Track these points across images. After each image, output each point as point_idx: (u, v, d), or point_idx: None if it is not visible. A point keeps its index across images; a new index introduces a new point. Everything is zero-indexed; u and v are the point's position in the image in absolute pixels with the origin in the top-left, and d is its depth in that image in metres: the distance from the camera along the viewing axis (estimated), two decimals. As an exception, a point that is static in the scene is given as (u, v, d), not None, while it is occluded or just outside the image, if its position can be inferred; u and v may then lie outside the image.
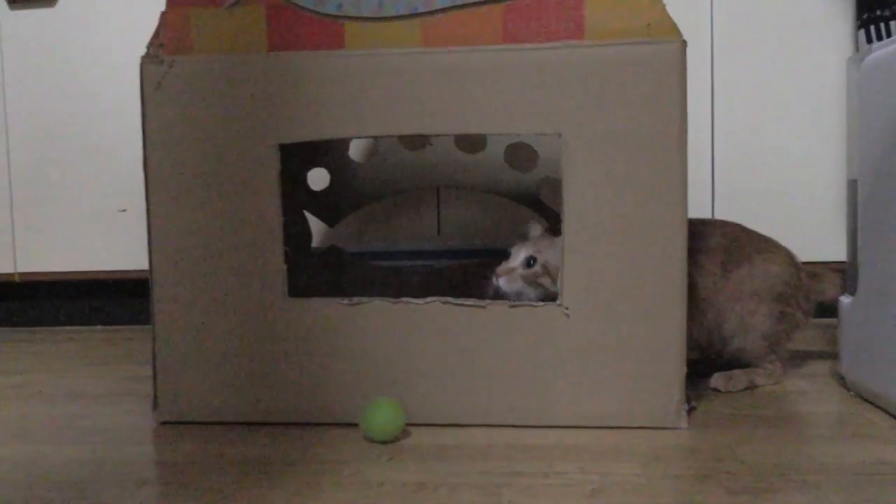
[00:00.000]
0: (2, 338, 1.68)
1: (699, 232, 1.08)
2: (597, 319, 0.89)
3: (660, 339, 0.89)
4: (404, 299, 0.92)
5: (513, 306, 0.90)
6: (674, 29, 0.86)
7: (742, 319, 1.06)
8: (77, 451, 0.88)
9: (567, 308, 0.89)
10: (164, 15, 0.94)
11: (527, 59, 0.88)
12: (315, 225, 1.46)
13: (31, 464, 0.84)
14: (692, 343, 1.03)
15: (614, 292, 0.89)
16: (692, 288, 1.01)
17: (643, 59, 0.87)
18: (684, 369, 0.89)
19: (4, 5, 1.65)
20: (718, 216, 1.53)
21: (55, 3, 1.65)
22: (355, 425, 0.91)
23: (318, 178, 1.44)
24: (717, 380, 1.06)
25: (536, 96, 0.88)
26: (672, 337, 0.89)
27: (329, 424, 0.94)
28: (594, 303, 0.89)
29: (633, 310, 0.89)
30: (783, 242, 1.12)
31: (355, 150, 1.50)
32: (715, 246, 1.08)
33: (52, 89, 1.66)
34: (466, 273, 1.44)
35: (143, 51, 0.94)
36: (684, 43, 0.86)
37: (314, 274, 1.34)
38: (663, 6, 0.87)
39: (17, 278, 1.70)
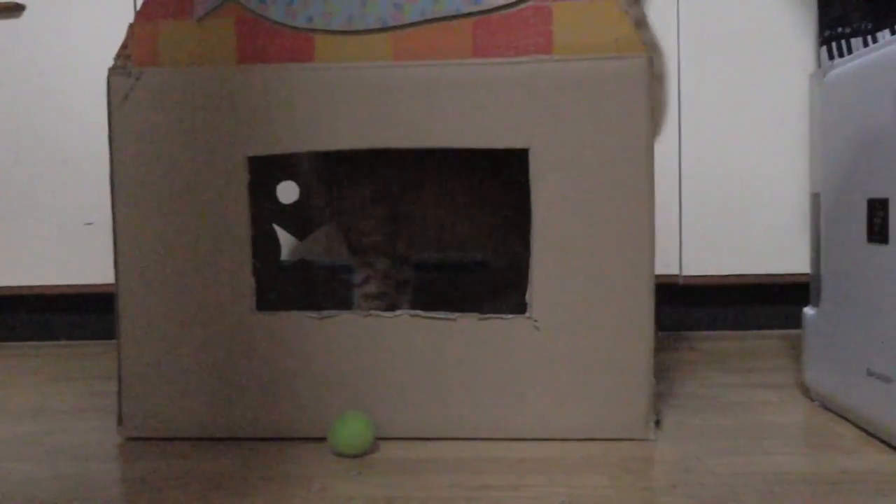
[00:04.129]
0: (-37, 353, 1.65)
1: None
2: (566, 332, 0.90)
3: (629, 352, 0.89)
4: (373, 312, 0.92)
5: (482, 319, 0.91)
6: (640, 44, 0.88)
7: None
8: (41, 468, 0.86)
9: (536, 321, 0.90)
10: (132, 27, 0.93)
11: (496, 73, 0.89)
12: (284, 238, 1.45)
13: (-7, 482, 0.82)
14: None
15: (583, 306, 0.89)
16: None
17: (611, 74, 0.88)
18: (653, 381, 0.90)
19: (-32, 16, 1.63)
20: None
21: (21, 14, 1.63)
22: (324, 440, 0.90)
23: (287, 191, 1.43)
24: None
25: (506, 110, 0.89)
26: (641, 349, 0.89)
27: (298, 439, 0.93)
28: (563, 316, 0.90)
29: (602, 323, 0.89)
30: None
31: (325, 163, 1.49)
32: None
33: (19, 101, 1.64)
34: (437, 286, 1.45)
35: (110, 62, 0.93)
36: (650, 58, 0.88)
37: (283, 287, 1.33)
38: (630, 22, 0.88)
39: (-21, 292, 1.67)
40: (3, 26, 1.63)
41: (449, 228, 1.12)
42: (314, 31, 0.92)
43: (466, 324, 0.91)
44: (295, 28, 0.92)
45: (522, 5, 0.89)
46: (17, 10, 1.63)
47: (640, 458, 0.85)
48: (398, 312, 0.91)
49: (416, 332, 0.91)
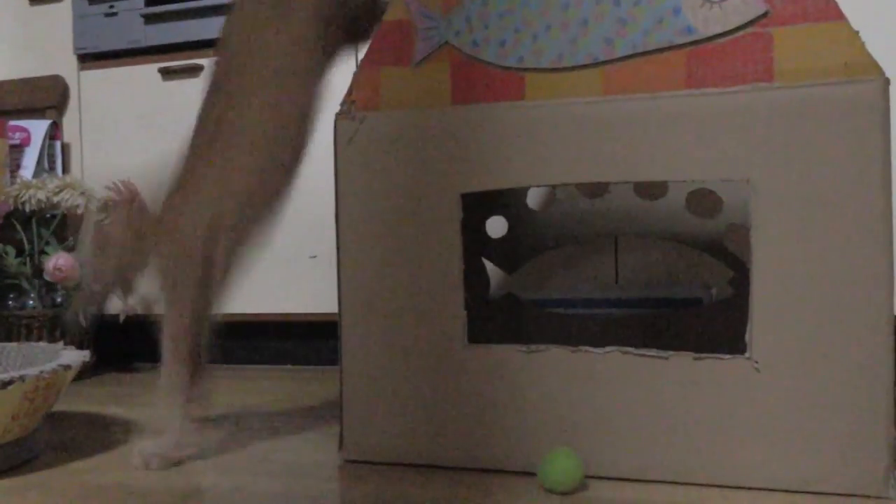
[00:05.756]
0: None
1: None
2: (791, 375, 0.84)
3: (864, 399, 0.82)
4: (583, 347, 0.91)
5: (697, 358, 0.87)
6: (874, 66, 0.81)
7: None
8: (271, 484, 0.93)
9: (757, 362, 0.85)
10: (356, 75, 1.00)
11: (712, 103, 0.86)
12: (492, 272, 1.48)
13: (233, 493, 0.90)
14: None
15: (810, 347, 0.83)
16: None
17: (840, 100, 0.82)
18: (893, 432, 0.82)
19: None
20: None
21: (199, 75, 1.80)
22: (532, 474, 0.90)
23: (496, 226, 1.46)
24: None
25: (722, 141, 0.86)
26: (879, 396, 0.82)
27: (506, 472, 0.94)
28: (787, 358, 0.84)
29: (832, 366, 0.83)
30: None
31: (533, 198, 1.51)
32: None
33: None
34: (646, 323, 1.41)
35: (332, 108, 1.01)
36: (887, 81, 0.81)
37: (492, 321, 1.35)
38: (861, 43, 0.82)
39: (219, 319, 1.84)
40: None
41: None
42: (525, 69, 0.94)
43: (680, 363, 0.88)
44: (506, 68, 0.94)
45: (739, 33, 0.86)
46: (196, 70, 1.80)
47: (877, 517, 0.77)
48: (608, 349, 0.90)
49: (627, 370, 0.89)
